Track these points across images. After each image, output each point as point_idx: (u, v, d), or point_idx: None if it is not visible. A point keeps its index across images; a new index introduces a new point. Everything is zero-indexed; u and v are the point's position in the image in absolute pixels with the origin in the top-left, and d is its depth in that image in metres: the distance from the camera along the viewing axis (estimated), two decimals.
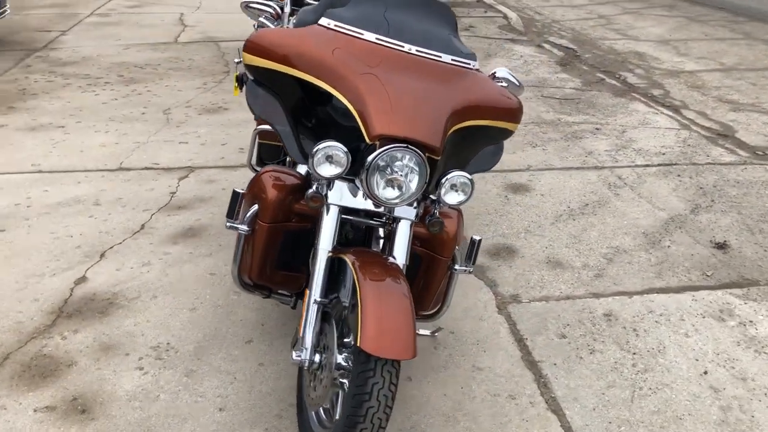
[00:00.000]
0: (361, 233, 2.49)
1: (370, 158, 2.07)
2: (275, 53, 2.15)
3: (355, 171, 2.13)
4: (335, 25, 2.23)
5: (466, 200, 2.23)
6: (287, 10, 3.34)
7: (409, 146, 2.07)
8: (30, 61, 6.80)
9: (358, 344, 1.92)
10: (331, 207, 2.20)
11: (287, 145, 2.25)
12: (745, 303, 3.22)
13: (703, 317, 3.11)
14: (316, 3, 2.55)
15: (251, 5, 2.48)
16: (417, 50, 2.25)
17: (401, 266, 2.23)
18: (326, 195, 2.20)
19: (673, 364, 2.80)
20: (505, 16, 9.89)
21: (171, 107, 5.57)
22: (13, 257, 3.40)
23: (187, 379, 2.62)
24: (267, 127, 2.73)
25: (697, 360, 2.83)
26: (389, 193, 2.12)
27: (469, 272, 2.55)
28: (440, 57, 2.28)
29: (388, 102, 2.10)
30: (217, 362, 2.72)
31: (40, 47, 7.32)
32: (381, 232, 2.44)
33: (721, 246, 3.72)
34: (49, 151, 4.70)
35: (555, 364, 2.78)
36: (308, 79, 2.15)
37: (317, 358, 2.15)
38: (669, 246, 3.72)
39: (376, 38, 2.22)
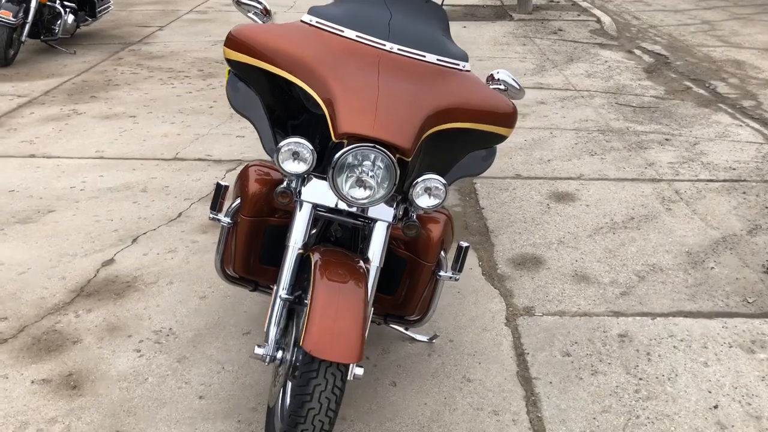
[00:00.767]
0: (348, 233, 2.46)
1: (336, 156, 2.04)
2: (253, 48, 2.17)
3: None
4: (317, 22, 2.22)
5: (439, 204, 2.16)
6: None
7: (377, 146, 2.03)
8: (122, 54, 7.20)
9: (300, 343, 1.91)
10: (304, 204, 2.19)
11: (262, 139, 2.26)
12: None
13: (730, 347, 2.87)
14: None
15: (241, 1, 2.51)
16: (399, 49, 2.20)
17: (375, 268, 2.19)
18: (300, 191, 2.19)
19: (681, 394, 2.60)
20: (599, 20, 9.53)
21: None
22: (54, 236, 3.60)
23: (177, 364, 2.69)
24: None
25: (709, 392, 2.61)
26: (358, 193, 2.09)
27: (455, 280, 2.47)
28: (424, 56, 2.22)
29: (359, 100, 2.06)
30: (211, 351, 2.77)
31: (135, 41, 7.73)
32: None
33: None
34: (115, 138, 4.95)
35: (550, 383, 2.65)
36: (283, 75, 2.15)
37: (279, 354, 2.15)
38: (713, 267, 3.46)
39: (357, 36, 2.19)
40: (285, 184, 2.18)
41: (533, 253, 3.57)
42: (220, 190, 2.37)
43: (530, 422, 2.46)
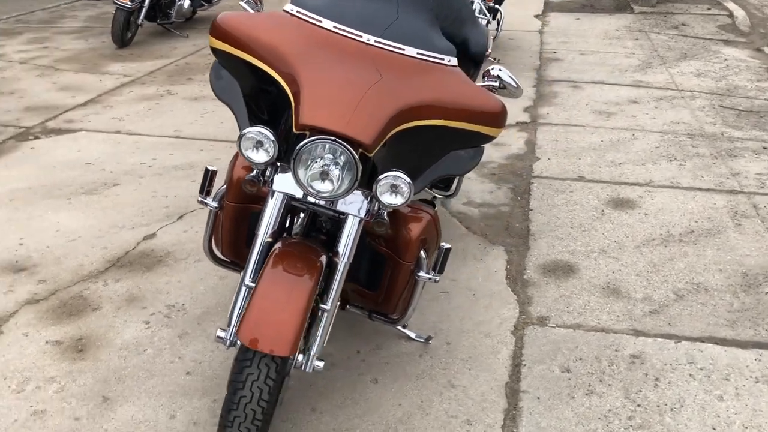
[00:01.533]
0: (337, 226, 2.45)
1: (296, 148, 2.04)
2: (234, 38, 2.20)
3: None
4: (297, 11, 2.22)
5: (403, 202, 2.09)
6: None
7: (337, 140, 2.00)
8: None
9: (236, 332, 1.93)
10: (276, 193, 2.20)
11: (240, 128, 2.29)
12: None
13: (756, 381, 2.59)
14: None
15: None
16: (376, 41, 2.15)
17: (343, 264, 2.17)
18: (272, 181, 2.20)
19: (679, 428, 2.38)
20: (731, 14, 8.82)
21: None
22: (111, 208, 3.85)
23: (177, 339, 2.80)
24: None
25: (713, 429, 2.38)
26: (321, 186, 2.07)
27: (435, 281, 2.40)
28: (403, 50, 2.16)
29: (323, 93, 2.04)
30: (212, 329, 2.86)
31: None
32: None
33: None
34: (195, 120, 5.20)
35: (538, 398, 2.51)
36: (258, 64, 2.16)
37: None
38: None
39: (334, 26, 2.16)
40: (255, 172, 2.20)
41: (568, 260, 3.39)
42: (207, 175, 2.43)
43: None
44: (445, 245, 2.38)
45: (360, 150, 2.03)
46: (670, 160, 4.52)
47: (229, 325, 2.17)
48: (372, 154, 2.04)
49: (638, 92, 5.91)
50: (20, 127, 5.05)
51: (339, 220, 2.39)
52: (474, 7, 6.22)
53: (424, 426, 2.39)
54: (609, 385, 2.58)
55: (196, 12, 8.06)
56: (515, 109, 5.51)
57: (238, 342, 2.15)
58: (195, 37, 7.62)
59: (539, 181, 4.26)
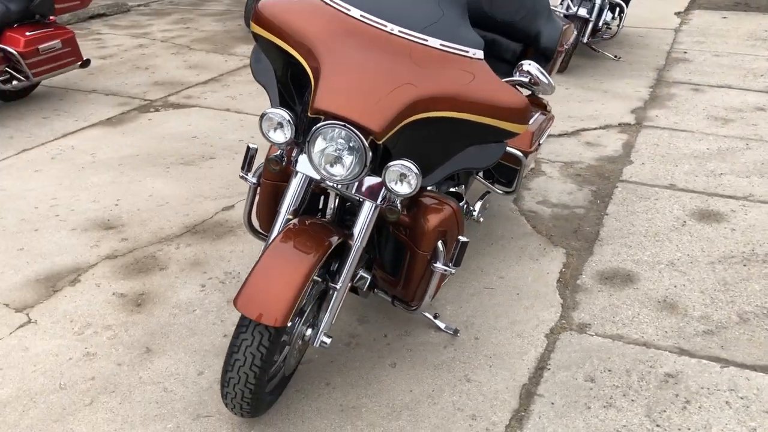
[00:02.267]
0: None
1: (311, 131, 2.13)
2: (268, 22, 2.31)
3: None
4: None
5: (410, 192, 2.13)
6: None
7: (347, 126, 2.07)
8: None
9: (235, 298, 2.07)
10: (298, 173, 2.31)
11: None
12: None
13: None
14: None
15: None
16: (400, 31, 2.19)
17: (356, 247, 2.25)
18: (296, 161, 2.31)
19: None
20: None
21: None
22: (202, 179, 4.15)
23: (225, 304, 3.00)
24: None
25: None
26: (333, 170, 2.16)
27: (451, 273, 2.42)
28: (426, 41, 2.18)
29: (340, 79, 2.11)
30: None
31: None
32: None
33: None
34: None
35: (552, 404, 2.46)
36: (286, 48, 2.26)
37: None
38: None
39: (361, 15, 2.22)
40: (279, 152, 2.32)
41: (630, 269, 3.25)
42: (248, 152, 2.58)
43: None
44: (462, 239, 2.39)
45: (370, 137, 2.08)
46: None
47: None
48: (381, 142, 2.08)
49: (766, 99, 5.46)
50: (145, 100, 5.51)
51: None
52: (597, 2, 6.01)
53: (428, 414, 2.41)
54: (632, 400, 2.47)
55: None
56: (620, 110, 5.28)
57: None
58: None
59: (625, 185, 4.08)
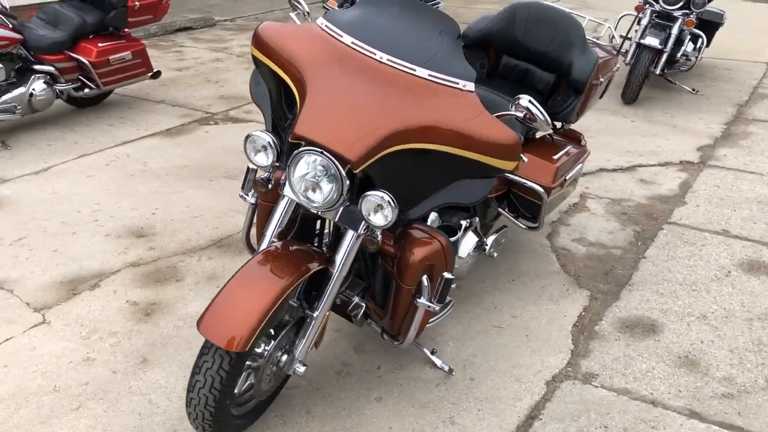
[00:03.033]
0: None
1: (292, 156, 2.11)
2: (266, 46, 2.31)
3: None
4: (326, 26, 2.27)
5: (386, 224, 2.07)
6: None
7: (325, 153, 2.04)
8: None
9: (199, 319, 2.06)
10: (284, 197, 2.29)
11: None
12: None
13: None
14: None
15: (293, 2, 2.63)
16: (388, 59, 2.14)
17: (336, 276, 2.21)
18: (284, 184, 2.29)
19: None
20: None
21: None
22: (238, 194, 4.20)
23: None
24: None
25: None
26: (313, 196, 2.13)
27: (434, 310, 2.33)
28: (414, 70, 2.12)
29: (322, 105, 2.09)
30: None
31: None
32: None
33: None
34: None
35: None
36: (279, 72, 2.26)
37: None
38: None
39: (352, 42, 2.19)
40: (265, 174, 2.31)
41: (656, 319, 3.04)
42: (248, 172, 2.59)
43: None
44: (447, 275, 2.30)
45: (348, 165, 2.03)
46: None
47: None
48: (357, 171, 2.03)
49: None
50: (207, 113, 5.68)
51: None
52: (673, 32, 5.73)
53: None
54: None
55: None
56: (686, 146, 5.00)
57: None
58: None
59: (672, 228, 3.84)
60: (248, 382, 2.28)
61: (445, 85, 2.12)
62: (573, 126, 3.46)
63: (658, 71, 5.80)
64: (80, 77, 5.32)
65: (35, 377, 2.66)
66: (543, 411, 2.51)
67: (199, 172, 4.52)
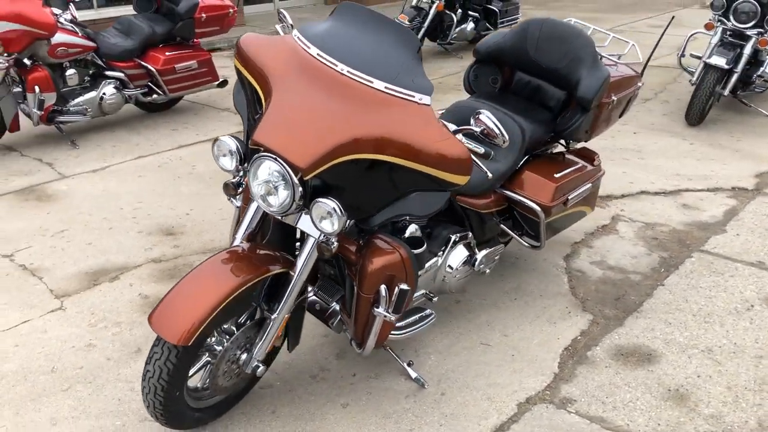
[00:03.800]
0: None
1: (251, 161, 2.20)
2: (244, 56, 2.40)
3: None
4: (298, 37, 2.34)
5: (333, 232, 2.12)
6: None
7: (278, 159, 2.11)
8: None
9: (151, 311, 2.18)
10: (253, 201, 2.38)
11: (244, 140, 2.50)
12: None
13: None
14: None
15: (279, 16, 2.69)
16: (348, 71, 2.18)
17: (294, 280, 2.28)
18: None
19: None
20: None
21: None
22: None
23: None
24: None
25: None
26: (271, 200, 2.20)
27: (390, 321, 2.34)
28: (372, 82, 2.15)
29: (280, 113, 2.16)
30: None
31: None
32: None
33: None
34: None
35: None
36: (251, 81, 2.34)
37: None
38: None
39: (318, 53, 2.24)
40: (235, 178, 2.40)
41: (656, 349, 2.91)
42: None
43: None
44: (403, 286, 2.31)
45: (299, 173, 2.09)
46: None
47: None
48: (307, 178, 2.09)
49: None
50: None
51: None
52: (746, 51, 5.44)
53: None
54: None
55: (479, 35, 8.33)
56: (742, 172, 4.73)
57: None
58: (468, 58, 7.90)
59: (702, 256, 3.65)
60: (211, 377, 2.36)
61: (400, 97, 2.14)
62: (587, 145, 3.37)
63: (726, 92, 5.51)
64: (149, 84, 5.65)
65: (38, 358, 2.86)
66: None
67: None
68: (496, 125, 2.19)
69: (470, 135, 2.25)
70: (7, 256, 3.66)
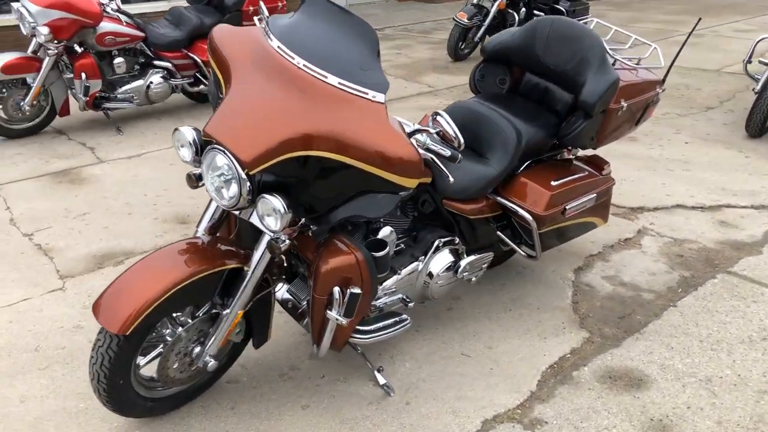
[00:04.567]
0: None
1: (204, 153, 2.17)
2: (213, 47, 2.37)
3: None
4: (265, 29, 2.29)
5: (278, 229, 2.07)
6: None
7: (227, 152, 2.08)
8: None
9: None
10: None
11: None
12: None
13: None
14: None
15: (260, 10, 2.63)
16: (304, 65, 2.12)
17: (248, 277, 2.25)
18: None
19: None
20: None
21: None
22: None
23: None
24: None
25: None
26: (222, 194, 2.17)
27: (341, 324, 2.27)
28: (326, 78, 2.08)
29: (233, 105, 2.12)
30: None
31: None
32: None
33: None
34: None
35: None
36: (216, 73, 2.32)
37: None
38: None
39: (278, 46, 2.19)
40: (198, 171, 2.38)
41: (649, 374, 2.71)
42: None
43: None
44: (355, 290, 2.23)
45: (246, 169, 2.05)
46: None
47: None
48: (253, 173, 2.04)
49: None
50: None
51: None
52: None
53: None
54: None
55: None
56: None
57: None
58: None
59: (727, 279, 3.38)
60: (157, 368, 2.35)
61: (354, 94, 2.06)
62: (598, 152, 3.17)
63: None
64: (196, 74, 5.75)
65: (27, 336, 2.94)
66: None
67: None
68: (452, 127, 2.08)
69: (445, 137, 2.15)
70: (27, 235, 3.80)
